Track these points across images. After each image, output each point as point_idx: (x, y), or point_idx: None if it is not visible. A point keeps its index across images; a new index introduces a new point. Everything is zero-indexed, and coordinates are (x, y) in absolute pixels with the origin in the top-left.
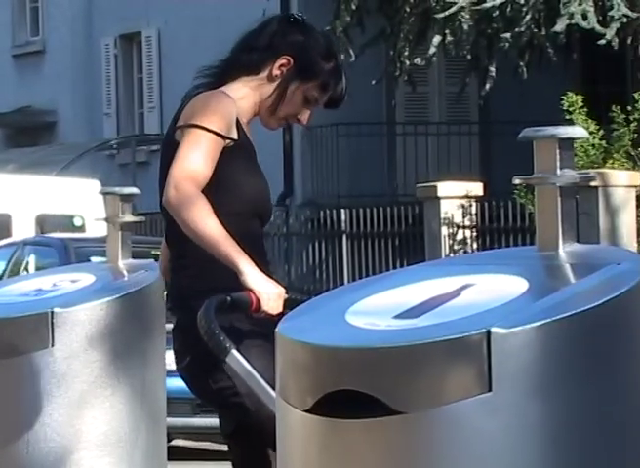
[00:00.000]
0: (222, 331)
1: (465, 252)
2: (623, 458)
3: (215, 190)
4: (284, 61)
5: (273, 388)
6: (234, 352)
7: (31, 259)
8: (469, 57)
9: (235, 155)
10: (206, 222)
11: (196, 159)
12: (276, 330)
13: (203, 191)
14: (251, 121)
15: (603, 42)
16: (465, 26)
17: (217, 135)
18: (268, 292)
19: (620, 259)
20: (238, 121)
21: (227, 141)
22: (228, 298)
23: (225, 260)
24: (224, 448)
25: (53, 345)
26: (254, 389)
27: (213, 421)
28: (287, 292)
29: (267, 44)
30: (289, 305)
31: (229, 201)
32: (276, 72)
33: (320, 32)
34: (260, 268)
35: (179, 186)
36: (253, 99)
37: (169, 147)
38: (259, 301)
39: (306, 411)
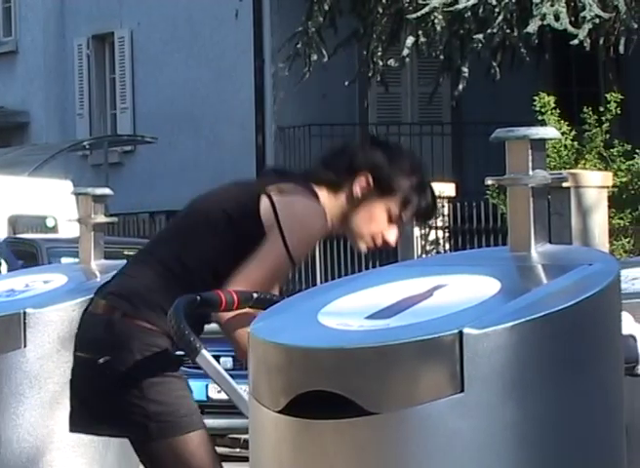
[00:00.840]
0: (192, 332)
1: (438, 252)
2: (596, 457)
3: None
4: (363, 179)
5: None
6: (204, 352)
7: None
8: (442, 57)
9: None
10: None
11: (265, 283)
12: (249, 330)
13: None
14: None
15: (575, 43)
16: (438, 27)
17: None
18: None
19: (592, 260)
20: None
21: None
22: (198, 298)
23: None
24: None
25: (25, 346)
26: (224, 389)
27: None
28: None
29: (348, 163)
30: (263, 304)
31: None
32: (356, 191)
33: (403, 149)
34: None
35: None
36: (331, 216)
37: (245, 197)
38: (227, 300)
39: (279, 412)
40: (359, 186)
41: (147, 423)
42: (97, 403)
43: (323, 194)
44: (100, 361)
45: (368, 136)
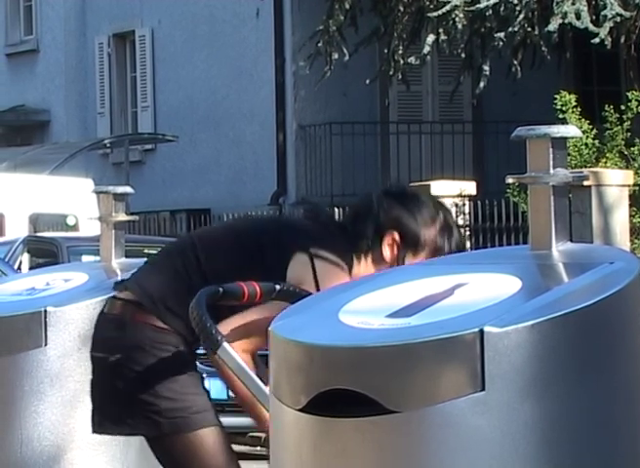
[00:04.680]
0: (214, 324)
1: None
2: (615, 457)
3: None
4: (390, 240)
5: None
6: (225, 345)
7: (24, 258)
8: (463, 56)
9: None
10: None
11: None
12: (270, 328)
13: None
14: None
15: (596, 41)
16: (459, 25)
17: None
18: None
19: (613, 258)
20: None
21: None
22: (220, 289)
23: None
24: None
25: (46, 344)
26: (246, 383)
27: None
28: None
29: (374, 227)
30: (286, 297)
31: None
32: (386, 252)
33: (421, 195)
34: None
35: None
36: (364, 273)
37: (276, 250)
38: (249, 292)
39: (300, 410)
40: (388, 246)
41: (160, 420)
42: (112, 402)
43: (359, 262)
44: (112, 359)
45: (385, 192)
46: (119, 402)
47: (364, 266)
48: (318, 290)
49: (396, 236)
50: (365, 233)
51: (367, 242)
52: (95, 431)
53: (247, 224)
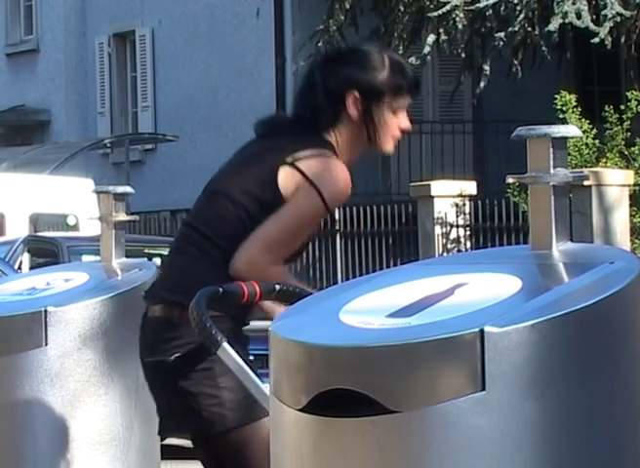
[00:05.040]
0: (214, 324)
1: (459, 250)
2: (615, 457)
3: None
4: (352, 98)
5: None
6: (225, 345)
7: (25, 258)
8: (463, 55)
9: None
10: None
11: (296, 239)
12: (270, 328)
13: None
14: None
15: (596, 41)
16: (459, 25)
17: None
18: None
19: (614, 258)
20: None
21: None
22: (220, 290)
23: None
24: None
25: (46, 344)
26: (246, 383)
27: None
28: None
29: (327, 96)
30: (286, 296)
31: None
32: (352, 112)
33: (351, 47)
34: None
35: (257, 258)
36: (351, 148)
37: (256, 166)
38: (249, 292)
39: (300, 410)
40: (352, 106)
41: (224, 412)
42: (179, 402)
43: (336, 140)
44: (171, 359)
45: (323, 59)
46: (180, 402)
47: (343, 141)
48: (319, 191)
49: (356, 93)
50: (322, 107)
51: (328, 115)
52: (160, 434)
53: (217, 182)
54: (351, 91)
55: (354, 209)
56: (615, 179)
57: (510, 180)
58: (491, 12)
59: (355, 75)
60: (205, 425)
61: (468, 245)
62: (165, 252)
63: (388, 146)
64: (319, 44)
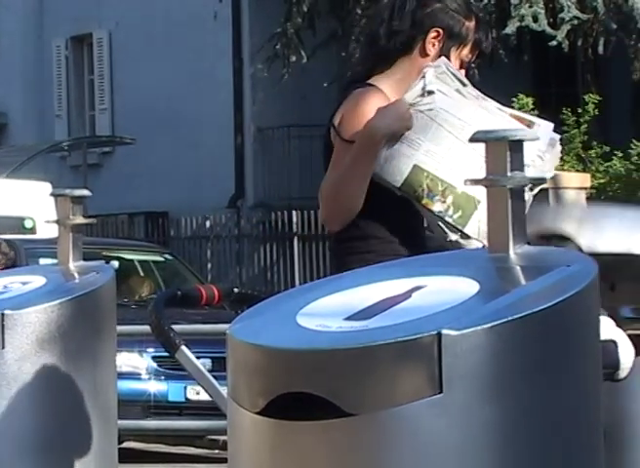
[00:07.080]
0: (172, 328)
1: None
2: (575, 458)
3: None
4: (434, 34)
5: None
6: (184, 348)
7: None
8: None
9: None
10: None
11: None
12: (227, 331)
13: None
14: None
15: (554, 44)
16: None
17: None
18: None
19: (570, 261)
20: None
21: None
22: (178, 292)
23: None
24: (175, 450)
25: (3, 347)
26: (204, 387)
27: (164, 423)
28: (238, 288)
29: (411, 23)
30: (244, 299)
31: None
32: (429, 47)
33: None
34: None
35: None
36: (411, 79)
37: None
38: (207, 295)
39: (258, 413)
40: (431, 42)
41: None
42: None
43: (394, 69)
44: None
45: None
46: None
47: (404, 72)
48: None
49: (440, 32)
50: (402, 31)
51: (403, 40)
52: None
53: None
54: (437, 28)
55: (312, 212)
56: (572, 182)
57: (467, 183)
58: None
59: (447, 14)
60: None
61: None
62: (123, 254)
63: None
64: (277, 47)
